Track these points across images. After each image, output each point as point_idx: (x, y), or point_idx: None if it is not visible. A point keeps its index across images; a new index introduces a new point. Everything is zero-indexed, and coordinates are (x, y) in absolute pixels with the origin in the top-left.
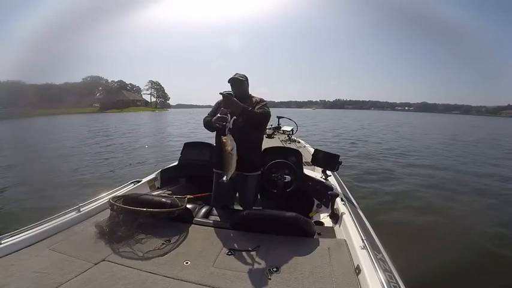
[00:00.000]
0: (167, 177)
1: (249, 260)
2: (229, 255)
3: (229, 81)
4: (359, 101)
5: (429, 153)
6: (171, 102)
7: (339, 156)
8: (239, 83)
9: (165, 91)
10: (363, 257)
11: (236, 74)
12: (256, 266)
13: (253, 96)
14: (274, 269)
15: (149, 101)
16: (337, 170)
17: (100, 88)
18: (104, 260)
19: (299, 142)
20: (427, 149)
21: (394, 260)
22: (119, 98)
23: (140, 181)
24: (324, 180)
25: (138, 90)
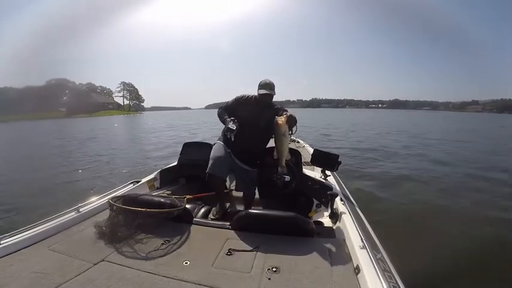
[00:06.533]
0: (166, 178)
1: (248, 260)
2: (229, 255)
3: (262, 94)
4: (334, 99)
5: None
6: (146, 104)
7: (338, 156)
8: (270, 98)
9: (139, 93)
10: (362, 257)
11: (269, 83)
12: (255, 266)
13: (275, 105)
14: (274, 269)
15: (122, 103)
16: (337, 169)
17: (67, 91)
18: (103, 260)
19: (298, 142)
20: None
21: (393, 260)
22: (88, 101)
23: (139, 181)
24: (323, 180)
25: (109, 92)
